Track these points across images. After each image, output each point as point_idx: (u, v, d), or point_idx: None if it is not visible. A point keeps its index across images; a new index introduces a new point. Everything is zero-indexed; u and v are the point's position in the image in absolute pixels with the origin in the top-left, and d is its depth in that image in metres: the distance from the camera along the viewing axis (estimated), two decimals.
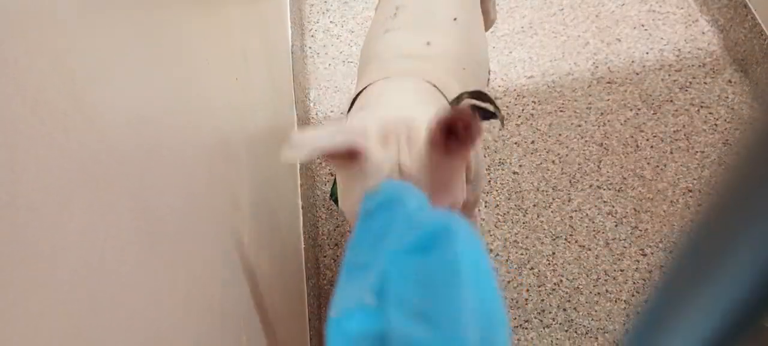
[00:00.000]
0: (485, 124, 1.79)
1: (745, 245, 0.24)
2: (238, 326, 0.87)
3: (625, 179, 1.74)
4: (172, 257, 0.66)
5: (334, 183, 1.02)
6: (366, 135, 0.78)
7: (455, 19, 1.15)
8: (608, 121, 1.85)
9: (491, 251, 1.66)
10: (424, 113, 0.81)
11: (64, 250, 0.46)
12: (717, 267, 0.25)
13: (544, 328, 1.54)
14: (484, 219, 1.70)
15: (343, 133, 0.78)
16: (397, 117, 0.82)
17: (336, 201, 1.03)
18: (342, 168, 0.82)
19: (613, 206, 1.70)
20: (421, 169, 0.78)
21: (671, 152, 1.77)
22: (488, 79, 1.46)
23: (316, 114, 1.94)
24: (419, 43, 1.10)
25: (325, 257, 1.70)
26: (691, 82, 1.90)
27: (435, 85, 0.97)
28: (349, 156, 0.79)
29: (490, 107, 0.93)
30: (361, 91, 1.02)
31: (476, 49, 1.19)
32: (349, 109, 1.04)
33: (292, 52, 1.83)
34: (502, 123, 0.97)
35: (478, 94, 0.93)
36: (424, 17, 1.16)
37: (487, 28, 1.69)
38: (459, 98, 0.92)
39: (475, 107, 0.92)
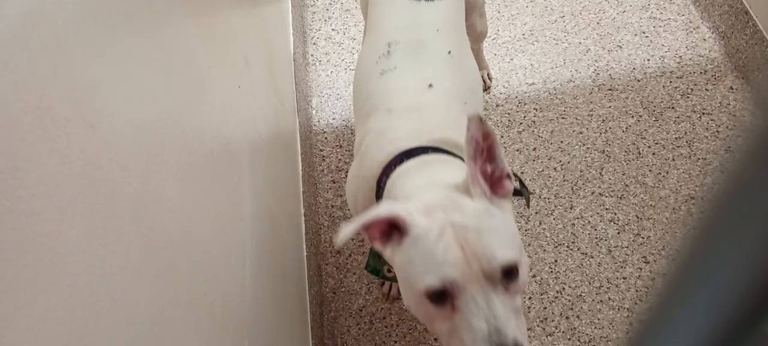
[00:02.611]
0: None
1: (741, 250, 0.23)
2: (240, 333, 0.87)
3: (627, 186, 1.74)
4: (173, 263, 0.66)
5: (370, 257, 1.04)
6: (407, 208, 0.85)
7: (449, 52, 1.14)
8: (610, 128, 1.85)
9: None
10: (457, 179, 0.89)
11: (66, 255, 0.46)
12: (713, 272, 0.25)
13: (546, 336, 1.54)
14: None
15: (385, 208, 0.84)
16: (436, 196, 0.87)
17: (371, 271, 1.06)
18: (393, 249, 0.87)
19: (616, 214, 1.70)
20: (476, 220, 0.82)
21: (673, 159, 1.77)
22: (482, 101, 1.46)
23: (318, 122, 1.95)
24: (421, 86, 1.09)
25: (327, 264, 1.69)
26: (692, 89, 1.91)
27: (448, 150, 1.00)
28: (394, 231, 0.86)
29: (516, 183, 0.96)
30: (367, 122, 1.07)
31: (470, 78, 1.18)
32: (355, 151, 1.11)
33: (294, 60, 1.84)
34: (528, 203, 0.98)
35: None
36: (418, 54, 1.14)
37: (478, 42, 1.69)
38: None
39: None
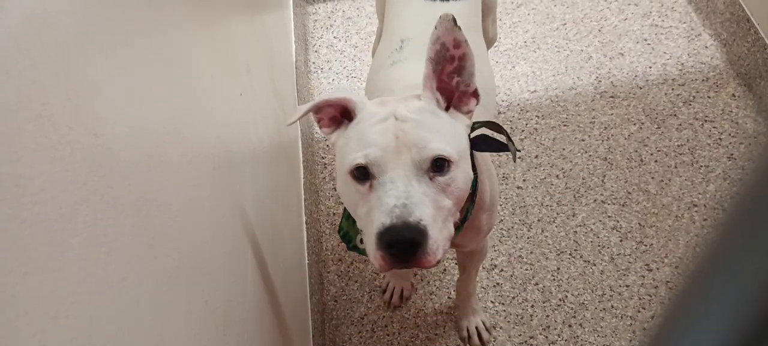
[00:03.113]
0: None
1: (754, 263, 0.23)
2: (242, 341, 0.87)
3: (629, 193, 1.73)
4: (175, 271, 0.66)
5: (343, 218, 1.02)
6: (360, 96, 0.88)
7: None
8: (612, 135, 1.85)
9: (496, 266, 1.65)
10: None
11: (68, 263, 0.46)
12: (726, 286, 0.25)
13: (549, 344, 1.53)
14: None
15: (340, 92, 0.88)
16: (394, 96, 0.90)
17: (343, 237, 1.03)
18: (338, 134, 0.90)
19: (618, 221, 1.69)
20: (419, 115, 0.83)
21: (675, 167, 1.77)
22: (495, 104, 1.46)
23: (319, 129, 1.94)
24: None
25: (328, 272, 1.69)
26: (694, 97, 1.90)
27: None
28: (345, 120, 0.89)
29: (503, 139, 0.95)
30: None
31: (483, 78, 1.18)
32: None
33: (295, 67, 1.84)
34: (515, 157, 0.98)
35: (492, 125, 0.95)
36: None
37: (488, 47, 1.69)
38: (472, 127, 0.93)
39: (487, 138, 0.95)
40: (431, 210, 0.79)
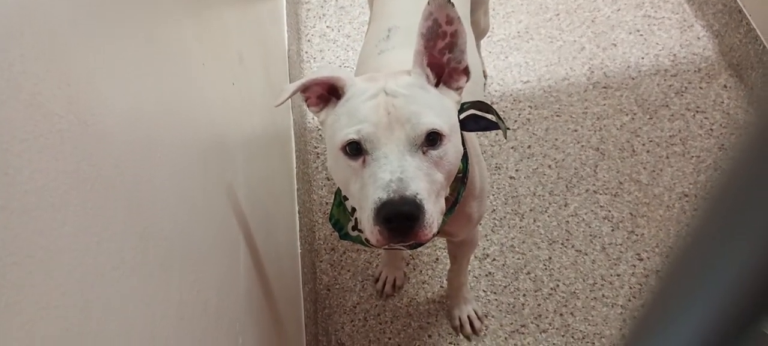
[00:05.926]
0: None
1: (738, 248, 0.23)
2: (234, 331, 0.87)
3: (621, 183, 1.74)
4: (166, 261, 0.66)
5: (333, 206, 1.02)
6: (348, 73, 0.88)
7: None
8: (604, 125, 1.85)
9: (488, 255, 1.66)
10: None
11: (58, 253, 0.45)
12: (711, 271, 0.25)
13: (540, 333, 1.54)
14: (480, 224, 1.70)
15: (327, 69, 0.87)
16: (383, 72, 0.91)
17: (334, 224, 1.02)
18: (327, 112, 0.89)
19: (610, 211, 1.70)
20: (409, 90, 0.83)
21: (667, 157, 1.78)
22: (483, 95, 1.46)
23: (313, 119, 1.94)
24: None
25: (321, 261, 1.69)
26: (686, 87, 1.91)
27: None
28: (333, 97, 0.88)
29: (493, 117, 0.95)
30: None
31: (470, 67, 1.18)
32: None
33: (288, 57, 1.83)
34: (505, 134, 0.98)
35: (481, 105, 0.95)
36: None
37: (480, 38, 1.70)
38: (462, 108, 0.93)
39: (476, 117, 0.95)
40: (426, 184, 0.80)
